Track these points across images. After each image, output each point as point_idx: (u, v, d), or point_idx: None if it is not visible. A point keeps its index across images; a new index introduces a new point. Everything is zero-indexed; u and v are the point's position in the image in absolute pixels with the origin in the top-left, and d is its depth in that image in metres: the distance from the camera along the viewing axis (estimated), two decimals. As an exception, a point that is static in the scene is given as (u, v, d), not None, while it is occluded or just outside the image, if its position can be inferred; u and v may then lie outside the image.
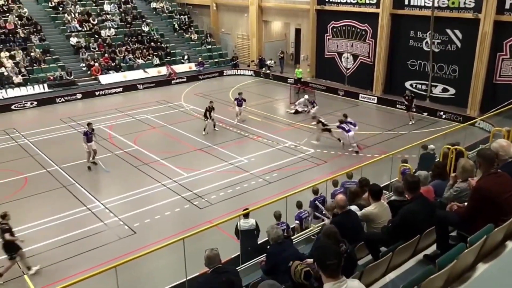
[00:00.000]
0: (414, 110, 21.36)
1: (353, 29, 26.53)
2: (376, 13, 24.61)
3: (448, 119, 21.62)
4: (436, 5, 21.78)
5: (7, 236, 10.19)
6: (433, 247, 5.59)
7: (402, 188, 6.44)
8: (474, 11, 20.73)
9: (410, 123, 21.02)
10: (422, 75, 23.66)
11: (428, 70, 23.05)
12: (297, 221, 10.46)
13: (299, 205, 10.64)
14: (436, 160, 10.54)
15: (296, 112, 22.99)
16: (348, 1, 26.29)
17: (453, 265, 4.10)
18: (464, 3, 21.09)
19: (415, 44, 23.61)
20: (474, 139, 16.51)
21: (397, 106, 23.75)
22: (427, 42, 22.92)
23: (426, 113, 20.93)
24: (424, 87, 23.75)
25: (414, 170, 10.99)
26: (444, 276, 4.08)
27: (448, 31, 21.95)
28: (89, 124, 16.72)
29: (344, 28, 27.06)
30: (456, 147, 10.18)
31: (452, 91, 22.69)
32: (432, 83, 23.18)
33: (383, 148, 17.47)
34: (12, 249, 10.32)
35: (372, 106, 24.84)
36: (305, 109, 22.97)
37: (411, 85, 24.30)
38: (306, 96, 23.33)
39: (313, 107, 21.85)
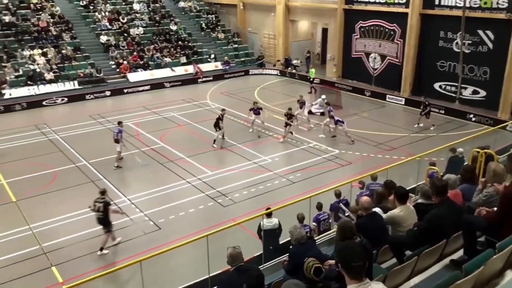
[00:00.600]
0: (425, 116, 20.47)
1: (382, 29, 26.18)
2: (405, 13, 24.22)
3: (478, 122, 21.11)
4: (467, 5, 21.28)
5: (110, 209, 11.23)
6: (460, 252, 5.49)
7: (430, 192, 6.34)
8: (507, 11, 20.16)
9: (415, 125, 20.50)
10: (451, 77, 23.16)
11: (458, 71, 22.55)
12: (314, 223, 10.34)
13: (319, 206, 10.49)
14: (465, 164, 10.30)
15: (310, 112, 22.19)
16: (377, 0, 25.97)
17: (480, 271, 4.02)
18: (497, 3, 20.53)
19: (445, 45, 23.13)
20: (504, 142, 16.08)
21: (428, 102, 23.28)
22: (457, 43, 22.42)
23: (434, 126, 20.16)
24: (453, 88, 23.24)
25: (442, 174, 10.78)
26: (471, 282, 4.00)
27: (480, 32, 21.41)
28: (119, 122, 17.06)
29: (372, 28, 26.74)
30: (486, 150, 9.93)
31: (482, 93, 22.13)
32: (462, 85, 22.66)
33: (409, 150, 17.20)
34: (108, 223, 11.18)
35: (399, 107, 24.46)
36: (321, 110, 22.63)
37: (440, 86, 23.84)
38: (323, 96, 22.99)
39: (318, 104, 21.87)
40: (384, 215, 6.45)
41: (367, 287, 3.46)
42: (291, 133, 19.28)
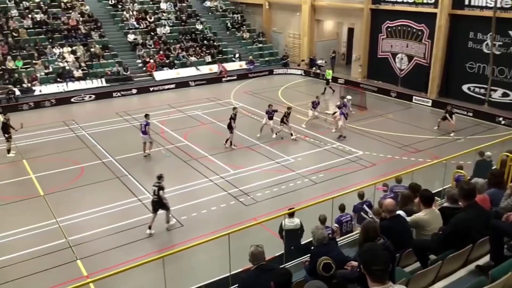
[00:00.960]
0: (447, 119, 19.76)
1: (409, 29, 25.78)
2: (434, 13, 23.78)
3: (507, 125, 20.55)
4: (498, 5, 20.75)
5: (161, 193, 12.04)
6: (486, 258, 5.37)
7: (457, 196, 6.21)
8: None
9: (435, 127, 19.98)
10: (481, 79, 22.63)
11: (488, 73, 22.01)
12: (336, 225, 10.24)
13: (341, 208, 10.36)
14: (493, 168, 10.04)
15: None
16: (405, 0, 25.58)
17: (507, 278, 3.92)
18: (530, 3, 19.98)
19: (475, 46, 22.61)
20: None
21: (453, 110, 22.83)
22: (487, 44, 21.89)
23: (453, 133, 19.53)
24: (482, 91, 22.70)
25: (469, 178, 10.53)
26: (497, 288, 3.91)
27: (511, 33, 20.84)
28: (146, 115, 17.67)
29: (399, 28, 26.35)
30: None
31: (512, 95, 21.55)
32: (492, 87, 22.11)
33: (436, 153, 16.88)
34: (162, 204, 12.14)
35: (426, 109, 24.02)
36: (351, 110, 22.47)
37: (468, 88, 23.31)
38: (349, 97, 22.71)
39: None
40: (408, 218, 6.35)
41: None
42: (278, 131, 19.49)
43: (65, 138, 19.65)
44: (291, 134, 19.18)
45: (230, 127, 18.05)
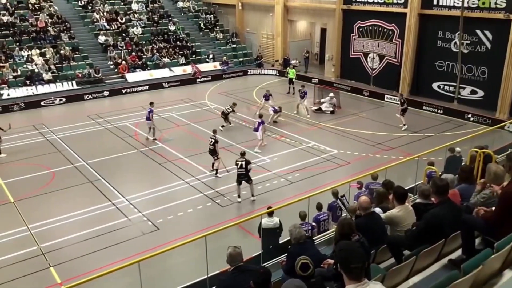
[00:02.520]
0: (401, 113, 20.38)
1: (380, 29, 26.20)
2: (404, 13, 24.24)
3: (476, 121, 21.14)
4: (465, 5, 21.32)
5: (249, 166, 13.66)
6: (458, 252, 5.49)
7: (429, 191, 6.34)
8: (506, 11, 20.19)
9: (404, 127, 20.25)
10: (450, 77, 23.19)
11: (457, 71, 22.58)
12: (314, 223, 10.32)
13: (319, 207, 10.40)
14: (463, 164, 10.29)
15: (319, 110, 23.07)
16: (375, 0, 25.99)
17: (478, 271, 4.02)
18: (495, 3, 20.56)
19: (443, 45, 23.15)
20: (503, 142, 16.10)
21: (424, 107, 23.38)
22: (455, 43, 22.44)
23: (405, 127, 20.03)
24: (452, 88, 23.27)
25: (440, 173, 10.78)
26: (469, 281, 4.00)
27: (478, 32, 21.43)
28: (151, 103, 19.09)
29: (370, 28, 26.76)
30: (484, 150, 9.92)
31: (480, 93, 22.16)
32: (461, 85, 22.69)
33: (408, 150, 17.21)
34: (248, 176, 13.77)
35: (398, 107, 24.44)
36: (331, 109, 22.90)
37: (438, 86, 23.86)
38: (331, 94, 23.36)
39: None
40: (382, 215, 6.45)
41: (365, 287, 3.42)
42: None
43: (35, 142, 19.16)
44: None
45: (226, 119, 20.13)
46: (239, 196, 13.84)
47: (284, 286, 4.15)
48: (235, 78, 31.46)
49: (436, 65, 23.67)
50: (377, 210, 6.81)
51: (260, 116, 18.48)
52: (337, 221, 10.64)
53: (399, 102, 20.80)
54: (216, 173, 15.64)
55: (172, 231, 12.21)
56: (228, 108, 20.31)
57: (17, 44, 27.27)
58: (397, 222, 6.21)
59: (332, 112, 22.85)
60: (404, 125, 20.19)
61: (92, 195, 14.32)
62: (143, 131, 20.26)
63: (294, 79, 27.06)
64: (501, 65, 20.49)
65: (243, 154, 13.97)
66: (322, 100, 23.62)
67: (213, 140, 15.48)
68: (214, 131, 15.95)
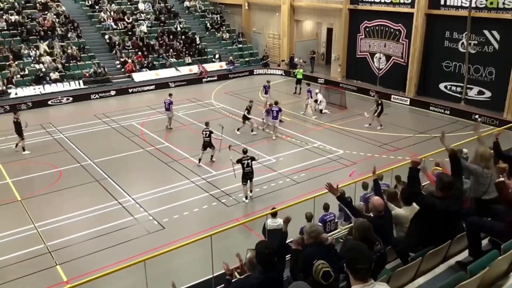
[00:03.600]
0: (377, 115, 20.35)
1: (387, 29, 26.11)
2: (411, 13, 24.15)
3: (483, 122, 20.98)
4: (473, 5, 21.19)
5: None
6: (465, 253, 5.46)
7: (435, 193, 6.29)
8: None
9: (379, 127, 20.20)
10: (457, 77, 23.07)
11: (464, 72, 22.45)
12: (320, 224, 10.28)
13: (325, 207, 10.38)
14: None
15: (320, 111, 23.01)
16: (382, 0, 25.90)
17: (485, 272, 4.00)
18: (503, 3, 20.43)
19: (451, 45, 23.04)
20: (510, 143, 15.97)
21: (431, 108, 23.28)
22: (463, 43, 22.33)
23: (381, 127, 20.05)
24: (459, 89, 23.14)
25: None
26: (476, 283, 3.98)
27: (486, 32, 21.30)
28: (170, 94, 20.26)
29: (377, 28, 26.67)
30: (491, 151, 9.84)
31: (488, 94, 22.02)
32: (468, 85, 22.57)
33: (414, 151, 17.13)
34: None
35: (405, 107, 24.38)
36: (327, 111, 22.97)
37: (445, 87, 23.74)
38: (317, 91, 23.50)
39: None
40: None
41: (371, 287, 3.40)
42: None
43: (43, 141, 19.28)
44: (252, 130, 19.83)
45: (245, 118, 19.68)
46: (246, 197, 13.84)
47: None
48: (241, 78, 31.48)
49: (443, 65, 23.55)
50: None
51: (276, 103, 19.58)
52: (346, 221, 10.63)
53: (375, 105, 20.50)
54: (212, 158, 16.63)
55: (177, 230, 12.23)
56: (245, 110, 19.84)
57: (25, 43, 27.44)
58: (402, 222, 6.18)
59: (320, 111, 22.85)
60: (381, 125, 20.26)
61: (98, 194, 14.38)
62: (149, 130, 20.34)
63: (302, 80, 27.10)
64: (509, 66, 20.36)
65: (246, 151, 14.08)
66: (320, 100, 23.34)
67: (208, 132, 16.13)
68: (207, 123, 16.59)
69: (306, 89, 22.89)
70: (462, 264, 5.06)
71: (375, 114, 20.31)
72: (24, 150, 17.89)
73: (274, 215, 9.90)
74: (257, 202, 13.79)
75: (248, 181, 13.84)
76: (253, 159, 13.74)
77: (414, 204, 6.30)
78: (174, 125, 21.16)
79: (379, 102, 20.42)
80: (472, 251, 5.19)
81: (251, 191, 14.04)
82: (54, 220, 12.76)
